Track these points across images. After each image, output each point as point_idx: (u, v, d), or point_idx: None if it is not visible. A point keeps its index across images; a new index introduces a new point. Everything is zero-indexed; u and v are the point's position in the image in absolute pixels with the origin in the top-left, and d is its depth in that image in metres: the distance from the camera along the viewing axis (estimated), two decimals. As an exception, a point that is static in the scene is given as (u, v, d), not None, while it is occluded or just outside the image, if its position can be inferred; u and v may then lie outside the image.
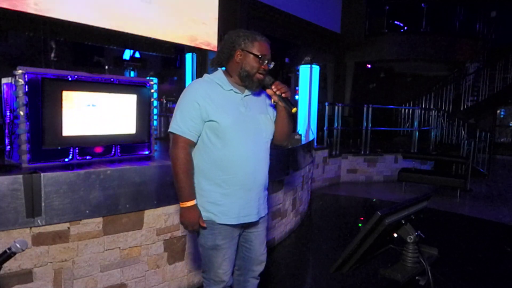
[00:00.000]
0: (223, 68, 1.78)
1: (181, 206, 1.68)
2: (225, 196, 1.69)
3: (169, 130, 1.69)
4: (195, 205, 1.68)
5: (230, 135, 1.66)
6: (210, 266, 1.76)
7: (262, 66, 1.69)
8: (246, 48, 1.68)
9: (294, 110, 1.73)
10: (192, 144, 1.69)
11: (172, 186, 2.48)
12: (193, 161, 1.71)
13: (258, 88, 1.76)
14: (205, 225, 1.71)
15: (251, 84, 1.71)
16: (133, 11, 4.79)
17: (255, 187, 1.75)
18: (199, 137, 1.69)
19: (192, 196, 1.68)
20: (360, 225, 4.14)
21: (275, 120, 1.84)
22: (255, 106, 1.77)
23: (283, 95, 1.71)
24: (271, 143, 1.87)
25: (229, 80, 1.74)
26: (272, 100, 1.78)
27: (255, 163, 1.73)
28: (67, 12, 4.07)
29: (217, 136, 1.66)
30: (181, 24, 5.42)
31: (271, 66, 1.73)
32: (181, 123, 1.65)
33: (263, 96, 1.85)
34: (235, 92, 1.72)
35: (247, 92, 1.75)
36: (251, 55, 1.68)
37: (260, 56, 1.68)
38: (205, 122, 1.66)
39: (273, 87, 1.71)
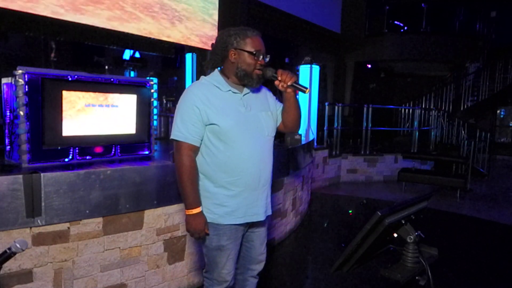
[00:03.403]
0: (219, 69, 1.76)
1: (187, 213, 1.67)
2: (231, 198, 1.69)
3: (171, 137, 1.67)
4: (201, 212, 1.67)
5: (232, 137, 1.64)
6: (214, 267, 1.76)
7: (259, 62, 1.66)
8: (239, 46, 1.65)
9: (307, 91, 1.67)
10: (196, 150, 1.67)
11: (172, 186, 2.51)
12: (197, 166, 1.70)
13: (259, 84, 1.74)
14: (208, 232, 1.70)
15: (251, 81, 1.69)
16: (133, 9, 4.80)
17: (260, 186, 1.74)
18: (201, 141, 1.67)
19: (198, 203, 1.67)
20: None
21: (284, 109, 1.80)
22: (255, 104, 1.75)
23: (289, 83, 1.66)
24: (283, 132, 1.86)
25: (226, 81, 1.72)
26: (280, 87, 1.70)
27: (259, 163, 1.71)
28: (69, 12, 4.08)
29: (219, 139, 1.65)
30: (181, 24, 5.42)
31: (267, 59, 1.70)
32: (183, 129, 1.63)
33: (262, 92, 1.84)
34: (233, 92, 1.70)
35: (246, 90, 1.73)
36: (246, 53, 1.65)
37: (254, 52, 1.65)
38: (206, 125, 1.64)
39: (278, 77, 1.67)
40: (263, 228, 1.88)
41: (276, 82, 1.69)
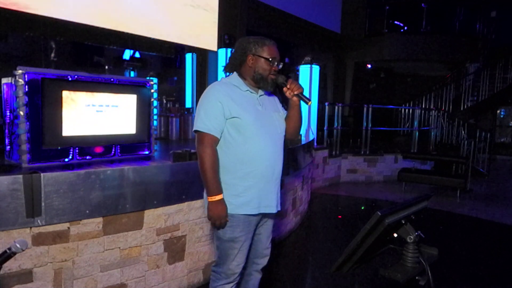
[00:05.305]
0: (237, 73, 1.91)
1: (209, 200, 1.77)
2: (247, 188, 1.80)
3: (195, 128, 1.78)
4: (223, 199, 1.77)
5: (251, 130, 1.78)
6: (225, 259, 1.85)
7: (273, 68, 1.84)
8: (257, 53, 1.83)
9: (310, 103, 1.88)
10: (217, 141, 1.79)
11: (172, 186, 2.51)
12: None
13: (272, 88, 1.90)
14: (228, 219, 1.80)
15: (266, 85, 1.86)
16: (133, 10, 4.79)
17: (274, 179, 1.87)
18: (221, 134, 1.80)
19: (220, 190, 1.77)
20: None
21: (287, 116, 1.98)
22: (269, 105, 1.93)
23: (295, 92, 1.85)
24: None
25: (244, 82, 1.87)
26: (287, 94, 1.88)
27: (273, 156, 1.86)
28: (67, 12, 4.05)
29: (238, 132, 1.78)
30: (181, 24, 5.42)
31: (280, 66, 1.88)
32: (207, 121, 1.75)
33: (273, 96, 2.03)
34: (251, 92, 1.86)
35: (260, 92, 1.90)
36: (262, 59, 1.83)
37: (270, 59, 1.83)
38: (227, 119, 1.77)
39: (288, 85, 1.85)
40: (270, 223, 2.00)
41: (285, 89, 1.88)
